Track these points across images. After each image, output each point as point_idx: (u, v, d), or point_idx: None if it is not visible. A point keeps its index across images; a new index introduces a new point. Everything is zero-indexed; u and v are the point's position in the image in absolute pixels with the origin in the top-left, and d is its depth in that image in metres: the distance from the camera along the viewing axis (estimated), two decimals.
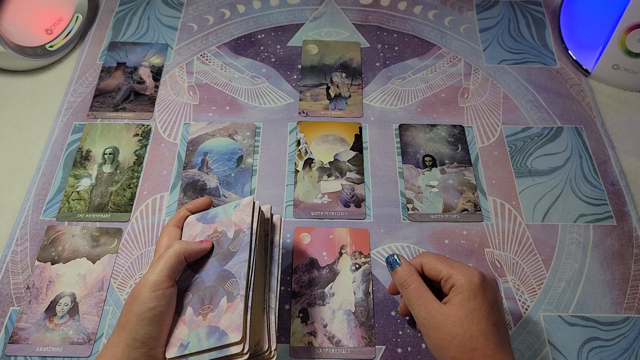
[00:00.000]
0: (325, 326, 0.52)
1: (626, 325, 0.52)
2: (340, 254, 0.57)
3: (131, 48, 0.74)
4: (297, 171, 0.63)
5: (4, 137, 0.66)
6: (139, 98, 0.69)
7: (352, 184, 0.62)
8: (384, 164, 0.64)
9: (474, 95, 0.70)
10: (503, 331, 0.42)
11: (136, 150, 0.64)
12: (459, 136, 0.66)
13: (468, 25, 0.78)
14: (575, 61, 0.73)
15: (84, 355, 0.50)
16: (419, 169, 0.63)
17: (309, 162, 0.64)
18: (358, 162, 0.64)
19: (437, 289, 0.45)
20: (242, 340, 0.40)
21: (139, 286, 0.41)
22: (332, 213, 0.59)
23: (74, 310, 0.52)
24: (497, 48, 0.75)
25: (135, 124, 0.67)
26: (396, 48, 0.75)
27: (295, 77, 0.72)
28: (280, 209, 0.60)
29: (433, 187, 0.62)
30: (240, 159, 0.64)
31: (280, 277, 0.50)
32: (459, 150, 0.65)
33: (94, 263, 0.56)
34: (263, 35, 0.76)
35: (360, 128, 0.67)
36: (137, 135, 0.66)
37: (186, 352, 0.41)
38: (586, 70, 0.72)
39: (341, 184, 0.62)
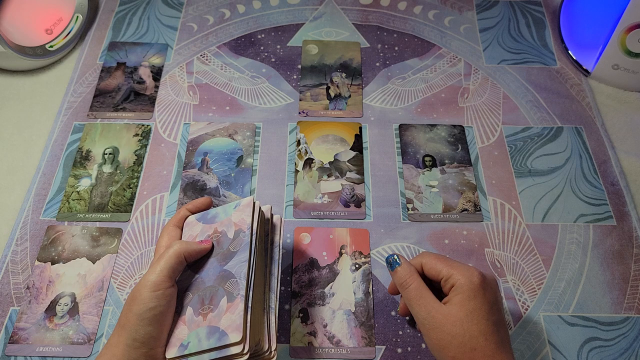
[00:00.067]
0: (325, 326, 0.52)
1: (626, 325, 0.52)
2: (340, 254, 0.57)
3: (131, 48, 0.74)
4: (297, 171, 0.63)
5: (4, 137, 0.66)
6: (139, 98, 0.69)
7: (352, 184, 0.62)
8: (384, 164, 0.64)
9: (474, 95, 0.70)
10: (503, 331, 0.42)
11: (136, 150, 0.64)
12: (459, 136, 0.66)
13: (468, 25, 0.78)
14: (575, 61, 0.73)
15: (84, 355, 0.50)
16: (419, 169, 0.63)
17: (309, 162, 0.64)
18: (358, 162, 0.64)
19: (437, 289, 0.45)
20: (242, 341, 0.40)
21: (139, 286, 0.41)
22: (332, 213, 0.59)
23: (74, 310, 0.52)
24: (497, 48, 0.75)
25: (135, 124, 0.67)
26: (396, 48, 0.75)
27: (295, 77, 0.72)
28: (280, 209, 0.60)
29: (433, 187, 0.62)
30: (240, 159, 0.64)
31: (280, 277, 0.50)
32: (459, 150, 0.65)
33: (94, 263, 0.56)
34: (263, 35, 0.76)
35: (360, 128, 0.67)
36: (137, 135, 0.66)
37: (186, 352, 0.41)
38: (586, 70, 0.72)
39: (341, 184, 0.62)
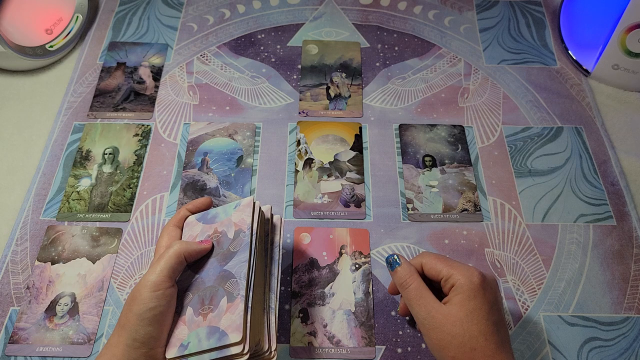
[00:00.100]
0: (325, 326, 0.52)
1: (626, 325, 0.52)
2: (340, 254, 0.57)
3: (131, 48, 0.74)
4: (297, 171, 0.63)
5: (4, 137, 0.66)
6: (139, 98, 0.69)
7: (352, 184, 0.62)
8: (384, 164, 0.64)
9: (474, 95, 0.70)
10: (503, 331, 0.42)
11: (136, 150, 0.64)
12: (459, 136, 0.66)
13: (468, 25, 0.78)
14: (575, 61, 0.73)
15: (84, 355, 0.50)
16: (419, 169, 0.63)
17: (309, 162, 0.64)
18: (358, 162, 0.64)
19: (437, 289, 0.45)
20: (242, 341, 0.40)
21: (139, 286, 0.41)
22: (332, 213, 0.59)
23: (74, 310, 0.52)
24: (497, 48, 0.75)
25: (135, 124, 0.67)
26: (396, 48, 0.75)
27: (295, 77, 0.72)
28: (280, 209, 0.60)
29: (433, 187, 0.62)
30: (240, 159, 0.64)
31: (280, 277, 0.50)
32: (459, 150, 0.65)
33: (94, 263, 0.56)
34: (263, 35, 0.76)
35: (360, 128, 0.67)
36: (137, 135, 0.66)
37: (186, 352, 0.41)
38: (586, 70, 0.72)
39: (341, 184, 0.62)
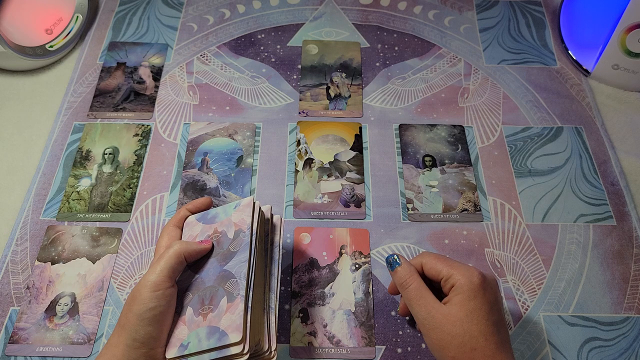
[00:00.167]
0: (325, 326, 0.52)
1: (626, 325, 0.52)
2: (340, 254, 0.57)
3: (131, 48, 0.74)
4: (297, 171, 0.63)
5: (4, 137, 0.66)
6: (139, 98, 0.69)
7: (352, 184, 0.62)
8: (384, 164, 0.64)
9: (474, 95, 0.70)
10: (503, 331, 0.42)
11: (136, 150, 0.64)
12: (459, 136, 0.66)
13: (468, 25, 0.78)
14: (575, 61, 0.73)
15: (84, 355, 0.50)
16: (419, 169, 0.63)
17: (309, 162, 0.64)
18: (358, 162, 0.64)
19: (437, 289, 0.45)
20: (242, 341, 0.40)
21: (139, 286, 0.41)
22: (332, 213, 0.59)
23: (74, 310, 0.52)
24: (497, 48, 0.75)
25: (135, 124, 0.67)
26: (396, 48, 0.75)
27: (295, 77, 0.72)
28: (280, 209, 0.60)
29: (433, 187, 0.62)
30: (240, 159, 0.64)
31: (280, 277, 0.50)
32: (459, 150, 0.65)
33: (94, 263, 0.56)
34: (263, 35, 0.76)
35: (360, 128, 0.67)
36: (137, 135, 0.66)
37: (186, 352, 0.41)
38: (586, 70, 0.72)
39: (341, 184, 0.62)
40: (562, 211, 0.60)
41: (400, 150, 0.65)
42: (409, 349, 0.51)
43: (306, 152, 0.64)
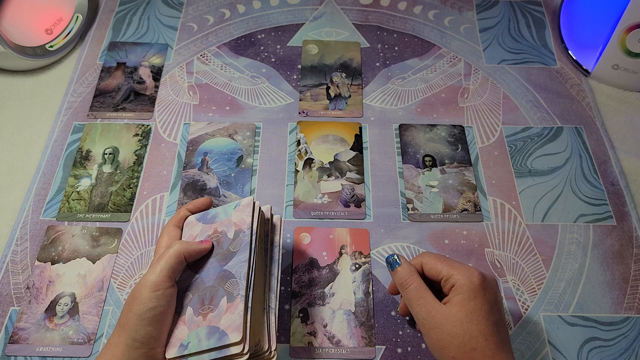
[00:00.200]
0: (325, 326, 0.52)
1: (626, 325, 0.52)
2: (340, 254, 0.57)
3: (131, 48, 0.74)
4: (297, 171, 0.63)
5: (4, 137, 0.66)
6: (139, 98, 0.69)
7: (352, 184, 0.62)
8: (384, 164, 0.64)
9: (474, 95, 0.70)
10: (503, 331, 0.42)
11: (136, 150, 0.64)
12: (459, 136, 0.66)
13: (468, 25, 0.78)
14: (575, 61, 0.73)
15: (84, 355, 0.50)
16: (419, 169, 0.63)
17: (309, 162, 0.64)
18: (358, 162, 0.64)
19: (437, 289, 0.45)
20: (242, 341, 0.40)
21: (139, 286, 0.41)
22: (332, 213, 0.59)
23: (74, 310, 0.52)
24: (497, 48, 0.75)
25: (135, 124, 0.67)
26: (396, 48, 0.75)
27: (295, 77, 0.72)
28: (280, 209, 0.60)
29: (433, 187, 0.62)
30: (240, 159, 0.64)
31: (280, 277, 0.50)
32: (459, 150, 0.65)
33: (94, 263, 0.56)
34: (263, 35, 0.76)
35: (360, 128, 0.67)
36: (137, 135, 0.66)
37: (186, 352, 0.41)
38: (586, 70, 0.72)
39: (341, 184, 0.62)
40: (562, 211, 0.60)
41: (400, 150, 0.65)
42: (409, 349, 0.51)
43: (306, 152, 0.64)
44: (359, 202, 0.60)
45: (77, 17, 0.74)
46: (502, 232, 0.58)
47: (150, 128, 0.66)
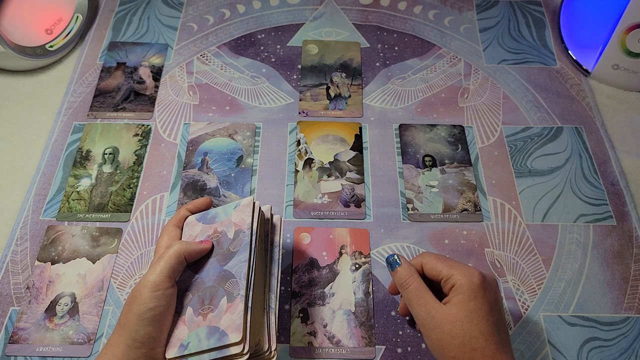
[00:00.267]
0: (325, 326, 0.52)
1: (626, 325, 0.52)
2: (340, 254, 0.57)
3: (131, 48, 0.74)
4: (297, 171, 0.63)
5: (4, 137, 0.66)
6: (139, 98, 0.69)
7: (352, 184, 0.62)
8: (384, 164, 0.64)
9: (474, 95, 0.70)
10: (503, 331, 0.42)
11: (136, 150, 0.64)
12: (459, 136, 0.66)
13: (468, 25, 0.78)
14: (575, 61, 0.73)
15: (84, 355, 0.50)
16: (419, 169, 0.63)
17: (309, 162, 0.64)
18: (358, 162, 0.64)
19: (437, 289, 0.45)
20: (242, 341, 0.40)
21: (139, 286, 0.41)
22: (332, 213, 0.59)
23: (74, 310, 0.52)
24: (497, 48, 0.75)
25: (135, 124, 0.67)
26: (396, 48, 0.75)
27: (295, 77, 0.72)
28: (280, 209, 0.60)
29: (433, 187, 0.62)
30: (240, 159, 0.64)
31: (280, 277, 0.50)
32: (459, 150, 0.65)
33: (94, 263, 0.56)
34: (263, 35, 0.76)
35: (360, 128, 0.67)
36: (137, 135, 0.66)
37: (186, 352, 0.41)
38: (586, 70, 0.72)
39: (341, 184, 0.62)
40: (562, 211, 0.60)
41: (400, 150, 0.65)
42: (409, 349, 0.51)
43: (306, 152, 0.64)
44: (359, 202, 0.60)
45: (77, 17, 0.74)
46: (502, 232, 0.58)
47: (150, 128, 0.66)
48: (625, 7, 0.64)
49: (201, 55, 0.74)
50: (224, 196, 0.61)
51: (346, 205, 0.60)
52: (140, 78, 0.71)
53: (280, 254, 0.49)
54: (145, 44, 0.75)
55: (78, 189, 0.61)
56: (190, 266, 0.46)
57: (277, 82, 0.71)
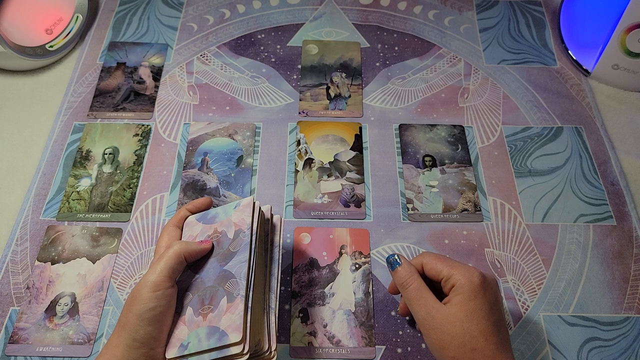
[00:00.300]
0: (325, 326, 0.52)
1: (626, 325, 0.52)
2: (340, 254, 0.57)
3: (131, 48, 0.74)
4: (297, 171, 0.63)
5: (4, 137, 0.66)
6: (139, 98, 0.69)
7: (352, 184, 0.62)
8: (384, 164, 0.64)
9: (474, 95, 0.70)
10: (503, 331, 0.42)
11: (136, 150, 0.64)
12: (459, 136, 0.66)
13: (468, 25, 0.78)
14: (575, 61, 0.73)
15: (84, 355, 0.50)
16: (419, 169, 0.63)
17: (309, 162, 0.64)
18: (358, 162, 0.64)
19: (437, 289, 0.45)
20: (242, 341, 0.40)
21: (139, 286, 0.41)
22: (332, 213, 0.59)
23: (74, 310, 0.52)
24: (497, 48, 0.75)
25: (135, 124, 0.67)
26: (396, 48, 0.75)
27: (295, 77, 0.72)
28: (280, 209, 0.60)
29: (433, 187, 0.62)
30: (240, 159, 0.64)
31: (280, 277, 0.50)
32: (459, 150, 0.65)
33: (94, 263, 0.56)
34: (263, 35, 0.76)
35: (360, 128, 0.67)
36: (137, 135, 0.66)
37: (186, 352, 0.41)
38: (586, 70, 0.72)
39: (341, 184, 0.62)
40: (562, 211, 0.60)
41: (400, 150, 0.65)
42: (409, 349, 0.51)
43: (306, 152, 0.64)
44: (359, 202, 0.60)
45: (77, 17, 0.74)
46: (502, 232, 0.58)
47: (150, 128, 0.66)
48: (625, 7, 0.64)
49: (201, 55, 0.74)
50: (224, 196, 0.61)
51: (346, 205, 0.60)
52: (140, 78, 0.71)
53: (280, 254, 0.49)
54: (145, 44, 0.75)
55: (78, 189, 0.61)
56: (190, 266, 0.46)
57: (277, 82, 0.71)
